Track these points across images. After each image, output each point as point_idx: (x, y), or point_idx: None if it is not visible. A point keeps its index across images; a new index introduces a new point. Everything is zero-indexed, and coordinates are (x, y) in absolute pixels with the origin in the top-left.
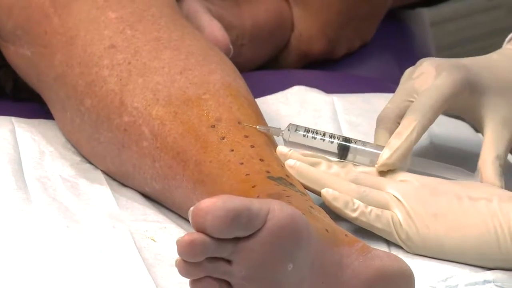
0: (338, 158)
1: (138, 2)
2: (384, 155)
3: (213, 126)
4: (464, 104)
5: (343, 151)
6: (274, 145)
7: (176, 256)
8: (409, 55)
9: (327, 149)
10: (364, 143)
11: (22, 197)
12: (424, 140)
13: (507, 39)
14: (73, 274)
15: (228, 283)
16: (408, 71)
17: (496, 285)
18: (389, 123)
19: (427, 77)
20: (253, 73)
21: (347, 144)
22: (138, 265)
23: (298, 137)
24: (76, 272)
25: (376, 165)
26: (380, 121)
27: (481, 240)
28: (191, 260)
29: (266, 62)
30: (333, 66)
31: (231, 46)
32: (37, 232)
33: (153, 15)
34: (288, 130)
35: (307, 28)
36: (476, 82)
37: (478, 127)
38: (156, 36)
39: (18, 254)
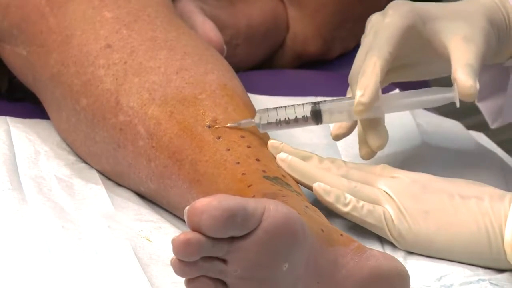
0: (315, 124)
1: (134, 2)
2: (358, 95)
3: (209, 126)
4: (421, 37)
5: (316, 116)
6: None
7: (171, 256)
8: None
9: (301, 117)
10: (333, 100)
11: (17, 197)
12: (415, 138)
13: None
14: (68, 274)
15: (223, 283)
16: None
17: (490, 283)
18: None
19: (378, 24)
20: (248, 73)
21: (318, 107)
22: (133, 264)
23: (271, 118)
24: (71, 272)
25: (353, 108)
26: (350, 80)
27: (472, 239)
28: (186, 260)
29: (261, 62)
30: (328, 66)
31: (224, 46)
32: (32, 232)
33: (149, 15)
34: (260, 117)
35: (302, 29)
36: (425, 12)
37: (443, 55)
38: (152, 36)
39: (13, 254)
